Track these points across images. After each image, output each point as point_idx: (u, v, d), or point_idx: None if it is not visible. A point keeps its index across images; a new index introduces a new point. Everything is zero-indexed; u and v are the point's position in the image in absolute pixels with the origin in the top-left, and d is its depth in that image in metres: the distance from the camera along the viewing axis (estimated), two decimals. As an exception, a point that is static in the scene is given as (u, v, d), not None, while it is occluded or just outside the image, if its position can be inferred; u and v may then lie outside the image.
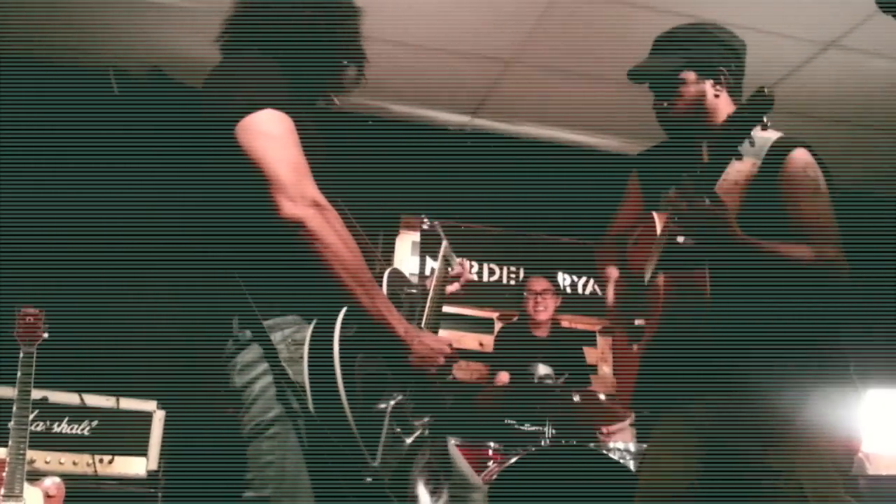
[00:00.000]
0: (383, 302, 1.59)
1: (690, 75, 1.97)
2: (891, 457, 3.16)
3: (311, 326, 1.54)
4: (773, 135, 1.96)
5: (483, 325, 4.74)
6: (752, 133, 1.83)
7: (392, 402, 1.59)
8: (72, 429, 3.29)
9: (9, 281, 3.60)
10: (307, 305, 1.57)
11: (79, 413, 3.32)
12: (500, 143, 4.93)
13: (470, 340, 4.70)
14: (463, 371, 4.60)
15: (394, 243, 4.78)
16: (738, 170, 1.88)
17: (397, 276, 1.84)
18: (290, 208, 1.50)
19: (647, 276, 1.92)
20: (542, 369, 3.75)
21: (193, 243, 1.71)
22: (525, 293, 4.19)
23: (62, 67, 4.16)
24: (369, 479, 1.46)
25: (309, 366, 1.49)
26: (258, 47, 1.69)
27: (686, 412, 1.95)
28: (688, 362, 1.85)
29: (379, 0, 3.65)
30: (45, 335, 2.95)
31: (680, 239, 1.79)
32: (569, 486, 2.88)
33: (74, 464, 3.25)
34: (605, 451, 3.13)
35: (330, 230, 1.53)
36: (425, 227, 2.31)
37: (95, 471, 3.27)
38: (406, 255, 4.77)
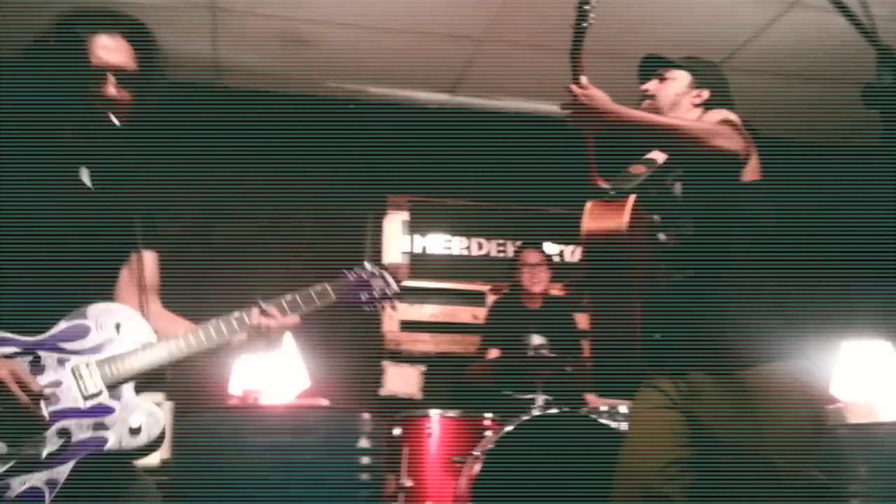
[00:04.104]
0: None
1: (686, 77, 2.24)
2: (868, 405, 3.31)
3: None
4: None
5: (475, 299, 4.84)
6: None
7: None
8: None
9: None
10: None
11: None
12: (479, 119, 5.00)
13: (464, 314, 4.81)
14: (458, 344, 4.72)
15: (381, 224, 4.87)
16: None
17: None
18: None
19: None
20: (537, 339, 3.86)
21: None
22: (519, 266, 4.23)
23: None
24: None
25: None
26: None
27: (665, 382, 2.07)
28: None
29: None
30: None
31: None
32: (562, 452, 3.00)
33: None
34: (595, 416, 3.25)
35: None
36: None
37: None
38: (396, 235, 4.86)
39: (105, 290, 1.78)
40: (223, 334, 1.75)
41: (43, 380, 1.59)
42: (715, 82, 2.28)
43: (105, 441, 1.58)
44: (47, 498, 1.52)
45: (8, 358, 1.58)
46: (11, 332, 1.62)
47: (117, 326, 1.68)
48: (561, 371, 3.55)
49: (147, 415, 1.63)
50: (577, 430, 3.11)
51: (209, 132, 4.35)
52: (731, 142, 1.97)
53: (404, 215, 4.92)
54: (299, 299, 1.82)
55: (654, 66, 2.29)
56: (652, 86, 2.26)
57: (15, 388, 1.52)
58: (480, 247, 5.00)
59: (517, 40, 4.13)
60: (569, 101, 1.95)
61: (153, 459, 3.46)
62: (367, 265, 1.95)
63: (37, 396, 1.55)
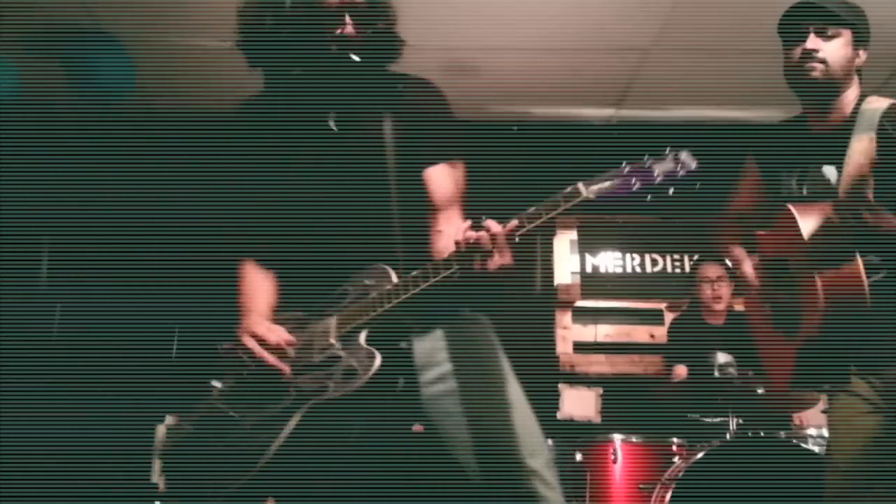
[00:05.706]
0: None
1: (848, 34, 1.93)
2: None
3: None
4: (882, 103, 1.90)
5: (652, 317, 4.66)
6: (862, 106, 1.89)
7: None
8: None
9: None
10: None
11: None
12: (646, 131, 4.84)
13: (641, 333, 4.64)
14: (636, 365, 4.55)
15: (551, 243, 4.81)
16: (859, 150, 1.84)
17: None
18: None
19: (796, 271, 1.92)
20: (722, 357, 3.64)
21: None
22: (699, 281, 4.05)
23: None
24: None
25: None
26: None
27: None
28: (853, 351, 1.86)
29: (509, 9, 3.74)
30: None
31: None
32: (762, 480, 2.79)
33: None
34: (796, 441, 3.00)
35: None
36: None
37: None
38: (565, 254, 4.78)
39: (381, 231, 1.71)
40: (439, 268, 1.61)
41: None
42: (868, 38, 1.95)
43: (326, 390, 1.59)
44: (269, 453, 1.55)
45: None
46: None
47: (367, 286, 1.68)
48: (752, 392, 3.32)
49: (364, 356, 1.59)
50: (777, 456, 2.89)
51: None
52: None
53: (573, 234, 4.83)
54: (539, 207, 1.60)
55: (810, 20, 1.90)
56: (819, 45, 1.89)
57: (253, 344, 1.61)
58: (655, 263, 4.81)
59: (685, 46, 3.96)
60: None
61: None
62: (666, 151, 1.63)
63: (278, 351, 1.62)
